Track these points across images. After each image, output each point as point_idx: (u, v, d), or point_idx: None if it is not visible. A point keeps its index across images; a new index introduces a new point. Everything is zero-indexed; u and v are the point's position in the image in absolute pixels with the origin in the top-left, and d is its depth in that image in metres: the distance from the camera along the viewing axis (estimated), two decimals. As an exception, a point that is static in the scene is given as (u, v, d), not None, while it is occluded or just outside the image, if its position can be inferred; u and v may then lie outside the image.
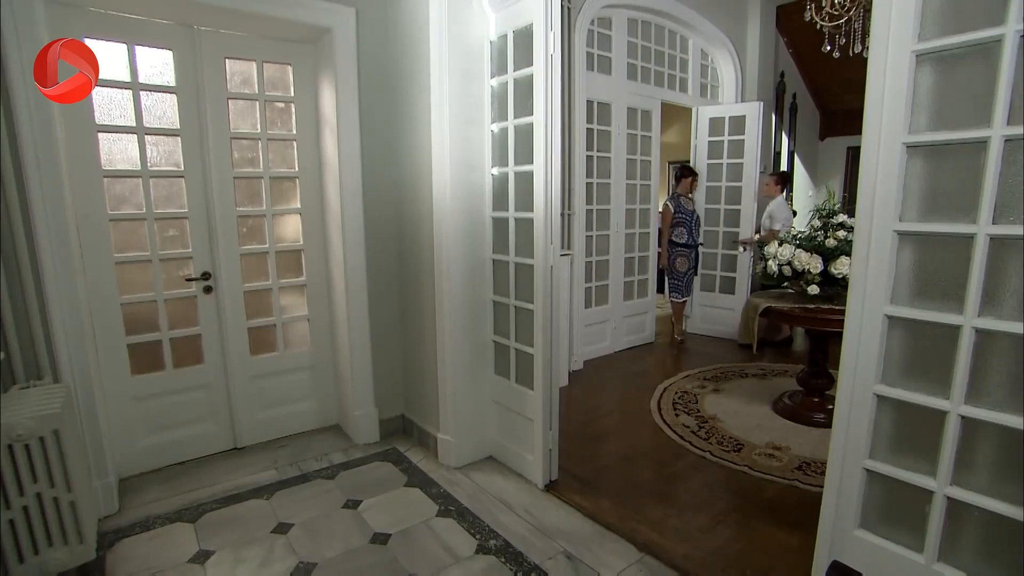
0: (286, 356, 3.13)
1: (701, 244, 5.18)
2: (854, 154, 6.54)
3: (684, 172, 5.09)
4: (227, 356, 2.92)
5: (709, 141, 5.33)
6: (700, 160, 5.38)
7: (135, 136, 2.58)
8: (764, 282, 3.55)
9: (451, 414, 2.79)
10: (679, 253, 5.04)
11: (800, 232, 3.42)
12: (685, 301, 5.20)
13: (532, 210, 2.46)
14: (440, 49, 2.51)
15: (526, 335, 2.62)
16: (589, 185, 4.42)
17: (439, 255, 2.70)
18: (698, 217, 5.10)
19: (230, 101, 2.79)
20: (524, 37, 2.44)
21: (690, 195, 5.10)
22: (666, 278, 5.20)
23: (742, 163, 5.17)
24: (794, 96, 6.34)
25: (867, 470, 1.61)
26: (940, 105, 1.41)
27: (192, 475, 2.74)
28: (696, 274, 5.22)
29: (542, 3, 2.29)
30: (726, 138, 5.24)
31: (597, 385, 4.11)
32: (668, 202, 5.09)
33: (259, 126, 2.90)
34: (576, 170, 4.02)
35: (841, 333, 1.63)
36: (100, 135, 2.49)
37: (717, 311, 5.45)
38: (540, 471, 2.60)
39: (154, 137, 2.64)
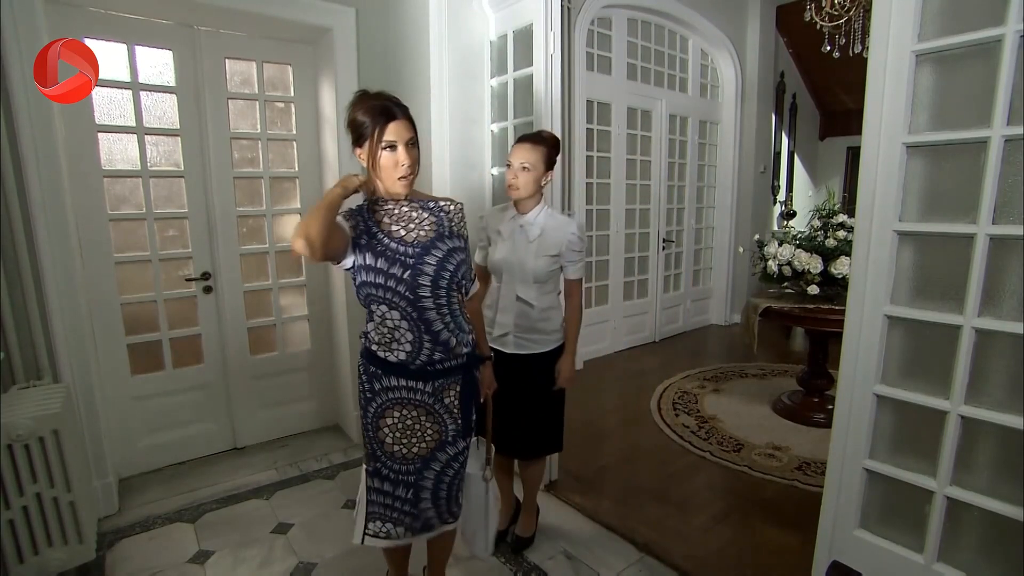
0: (286, 356, 3.13)
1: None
2: (854, 154, 6.54)
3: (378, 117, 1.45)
4: (227, 356, 2.92)
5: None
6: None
7: (135, 136, 2.58)
8: (763, 283, 3.54)
9: (451, 414, 2.78)
10: (368, 394, 1.53)
11: (800, 232, 3.42)
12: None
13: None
14: (440, 49, 2.51)
15: (526, 335, 2.61)
16: (589, 185, 4.42)
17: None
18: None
19: (230, 101, 2.79)
20: (524, 37, 2.44)
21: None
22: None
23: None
24: (794, 96, 6.33)
25: (867, 470, 1.61)
26: (940, 105, 1.41)
27: (192, 475, 2.74)
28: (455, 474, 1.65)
29: (542, 3, 2.29)
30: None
31: (597, 385, 4.11)
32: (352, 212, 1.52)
33: (259, 126, 2.89)
34: (576, 170, 4.02)
35: (841, 333, 1.62)
36: (100, 135, 2.49)
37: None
38: (540, 471, 2.59)
39: (154, 137, 2.64)
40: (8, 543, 1.79)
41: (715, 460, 2.88)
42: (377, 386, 1.52)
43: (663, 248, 5.19)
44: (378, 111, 1.43)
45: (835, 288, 3.14)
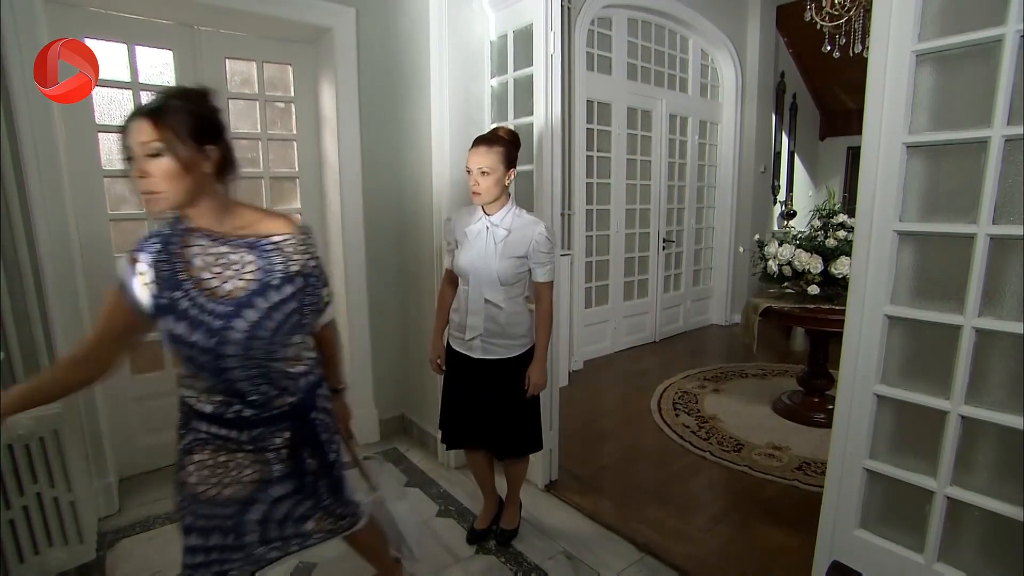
0: (286, 356, 3.13)
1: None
2: (854, 154, 6.54)
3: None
4: (227, 356, 2.91)
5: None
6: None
7: (135, 136, 2.58)
8: (763, 283, 3.54)
9: (451, 414, 2.78)
10: (181, 430, 1.33)
11: (800, 232, 3.42)
12: None
13: (532, 210, 2.46)
14: (440, 49, 2.51)
15: (526, 335, 2.61)
16: (589, 185, 4.42)
17: (440, 254, 2.69)
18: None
19: (230, 101, 2.79)
20: (524, 37, 2.44)
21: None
22: None
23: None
24: (794, 96, 6.33)
25: (867, 470, 1.61)
26: (940, 105, 1.41)
27: (192, 475, 2.73)
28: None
29: (542, 3, 2.29)
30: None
31: (597, 385, 4.11)
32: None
33: (259, 126, 2.90)
34: (576, 170, 4.02)
35: (841, 333, 1.63)
36: (100, 135, 2.49)
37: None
38: (540, 471, 2.59)
39: (154, 137, 2.64)
40: (8, 543, 1.79)
41: (715, 460, 2.88)
42: (191, 423, 1.29)
43: (663, 248, 5.19)
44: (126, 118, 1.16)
45: (835, 288, 3.14)
